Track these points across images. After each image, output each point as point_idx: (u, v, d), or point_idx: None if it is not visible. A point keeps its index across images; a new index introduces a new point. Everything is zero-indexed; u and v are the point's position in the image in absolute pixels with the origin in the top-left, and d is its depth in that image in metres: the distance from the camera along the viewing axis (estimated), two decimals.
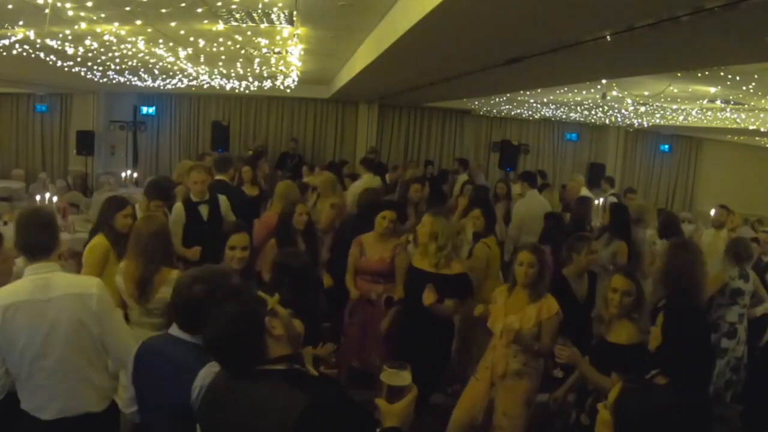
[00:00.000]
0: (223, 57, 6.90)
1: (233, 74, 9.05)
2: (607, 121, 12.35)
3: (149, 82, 10.16)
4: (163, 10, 4.37)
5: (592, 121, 12.67)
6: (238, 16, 4.65)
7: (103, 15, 4.41)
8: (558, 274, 4.32)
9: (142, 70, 8.36)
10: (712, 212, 7.64)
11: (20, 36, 5.09)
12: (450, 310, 3.92)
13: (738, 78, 5.50)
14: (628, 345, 3.01)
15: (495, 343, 3.56)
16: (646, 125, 12.01)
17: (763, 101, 7.04)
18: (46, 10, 3.90)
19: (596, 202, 7.89)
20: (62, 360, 2.29)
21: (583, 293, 4.18)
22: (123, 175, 11.47)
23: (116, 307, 2.62)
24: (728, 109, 8.18)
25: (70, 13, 4.13)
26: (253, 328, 1.74)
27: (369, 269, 4.29)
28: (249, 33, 5.30)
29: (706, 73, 5.43)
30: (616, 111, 10.35)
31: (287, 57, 6.74)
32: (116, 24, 4.84)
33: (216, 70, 8.54)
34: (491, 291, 4.20)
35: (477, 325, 4.47)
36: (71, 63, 7.00)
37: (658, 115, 10.29)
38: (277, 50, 6.35)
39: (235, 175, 6.76)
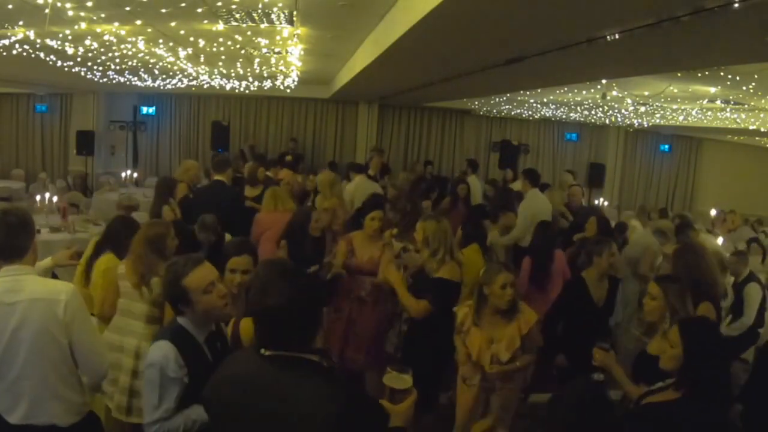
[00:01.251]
0: (223, 57, 6.91)
1: (233, 74, 9.05)
2: (607, 121, 12.36)
3: (149, 82, 10.17)
4: (163, 10, 4.37)
5: (592, 121, 12.67)
6: (238, 16, 4.65)
7: (103, 15, 4.41)
8: (576, 276, 4.35)
9: (142, 70, 8.37)
10: (713, 212, 7.67)
11: (20, 36, 5.09)
12: (413, 308, 3.70)
13: (738, 78, 5.50)
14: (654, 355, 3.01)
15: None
16: (646, 125, 12.01)
17: (763, 101, 7.04)
18: (46, 10, 3.90)
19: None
20: (25, 367, 2.22)
21: (601, 297, 4.16)
22: (123, 175, 11.48)
23: (89, 316, 2.47)
24: (728, 109, 8.18)
25: (70, 13, 4.13)
26: (317, 310, 1.79)
27: (359, 269, 4.29)
28: (249, 33, 5.30)
29: (706, 73, 5.43)
30: (616, 111, 10.35)
31: (287, 57, 6.74)
32: (116, 24, 4.84)
33: (216, 70, 8.54)
34: (464, 301, 4.10)
35: None
36: (71, 63, 7.00)
37: (658, 115, 10.29)
38: (277, 50, 6.35)
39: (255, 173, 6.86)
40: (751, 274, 5.44)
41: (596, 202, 11.51)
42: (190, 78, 9.45)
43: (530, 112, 12.49)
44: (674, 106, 8.82)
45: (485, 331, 3.41)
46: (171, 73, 8.98)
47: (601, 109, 10.36)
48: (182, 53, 6.50)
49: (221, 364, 1.89)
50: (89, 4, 3.98)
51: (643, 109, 9.39)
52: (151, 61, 7.18)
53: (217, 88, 11.17)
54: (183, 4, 4.15)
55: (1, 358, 2.21)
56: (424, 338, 3.88)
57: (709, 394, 2.31)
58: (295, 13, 4.60)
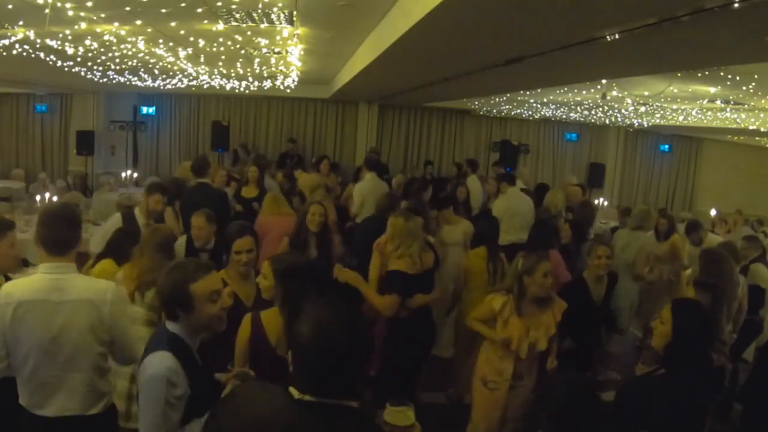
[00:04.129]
0: (223, 57, 6.90)
1: (233, 74, 9.05)
2: (607, 121, 12.35)
3: (149, 82, 10.17)
4: (163, 10, 4.37)
5: (592, 121, 12.67)
6: (238, 16, 4.65)
7: (103, 15, 4.41)
8: (578, 276, 4.48)
9: (142, 70, 8.36)
10: (713, 212, 7.66)
11: (20, 36, 5.09)
12: (381, 305, 3.68)
13: (738, 78, 5.49)
14: None
15: (516, 357, 3.53)
16: (646, 125, 12.01)
17: (763, 101, 7.04)
18: (46, 10, 3.90)
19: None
20: (67, 363, 2.27)
21: (600, 295, 4.29)
22: (123, 175, 11.50)
23: (128, 311, 2.57)
24: (728, 109, 8.18)
25: (70, 13, 4.13)
26: (366, 352, 1.62)
27: None
28: (249, 33, 5.30)
29: (706, 73, 5.43)
30: (616, 111, 10.34)
31: (287, 57, 6.74)
32: (116, 24, 4.84)
33: (216, 70, 8.54)
34: (473, 303, 4.19)
35: (473, 338, 4.46)
36: (71, 63, 7.00)
37: (658, 115, 10.29)
38: (277, 50, 6.35)
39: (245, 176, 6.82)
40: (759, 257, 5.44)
41: (596, 202, 11.51)
42: (190, 78, 9.45)
43: (530, 112, 12.48)
44: (674, 106, 8.82)
45: (524, 321, 3.47)
46: (171, 73, 8.97)
47: (601, 109, 10.35)
48: (182, 53, 6.49)
49: (238, 399, 1.68)
50: (89, 4, 3.98)
51: (643, 109, 9.39)
52: (151, 61, 7.18)
53: (217, 88, 11.17)
54: (183, 4, 4.14)
55: (45, 352, 2.24)
56: (403, 333, 3.85)
57: (689, 371, 2.41)
58: (295, 13, 4.60)
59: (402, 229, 3.77)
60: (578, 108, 10.73)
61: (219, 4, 4.23)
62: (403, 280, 3.68)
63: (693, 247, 6.02)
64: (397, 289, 3.67)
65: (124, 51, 6.29)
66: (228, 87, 10.98)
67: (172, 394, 1.94)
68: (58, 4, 3.90)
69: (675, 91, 6.91)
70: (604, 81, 6.85)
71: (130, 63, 7.40)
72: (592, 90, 7.89)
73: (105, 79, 9.23)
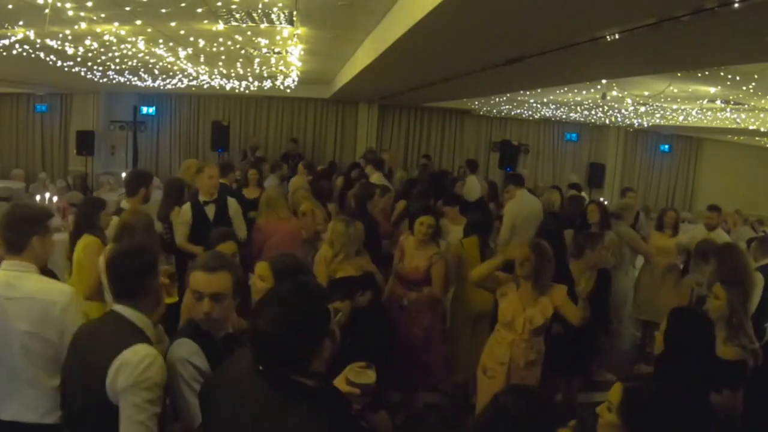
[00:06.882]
0: (223, 57, 6.90)
1: (233, 74, 9.05)
2: (607, 121, 12.36)
3: (149, 82, 10.17)
4: (163, 10, 4.38)
5: (592, 121, 12.67)
6: (238, 16, 4.65)
7: (103, 15, 4.41)
8: (564, 269, 4.41)
9: (142, 70, 8.36)
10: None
11: (20, 36, 5.09)
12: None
13: (738, 78, 5.50)
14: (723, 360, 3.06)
15: (512, 338, 3.58)
16: (646, 125, 12.01)
17: (763, 101, 7.04)
18: (46, 10, 3.90)
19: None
20: (15, 365, 2.23)
21: (587, 288, 4.23)
22: (123, 175, 11.48)
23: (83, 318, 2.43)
24: (728, 109, 8.18)
25: (70, 13, 4.13)
26: (314, 335, 1.62)
27: (403, 276, 4.30)
28: (249, 33, 5.30)
29: (706, 73, 5.43)
30: (616, 111, 10.35)
31: (287, 57, 6.74)
32: (116, 24, 4.84)
33: (216, 70, 8.54)
34: (468, 293, 4.34)
35: (469, 327, 4.46)
36: (71, 63, 7.00)
37: (658, 115, 10.29)
38: (277, 50, 6.35)
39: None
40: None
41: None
42: (190, 78, 9.45)
43: (530, 112, 12.48)
44: (674, 106, 8.82)
45: (522, 299, 3.60)
46: (171, 73, 8.97)
47: (601, 109, 10.35)
48: (182, 53, 6.49)
49: (225, 361, 1.90)
50: (89, 4, 3.98)
51: (643, 109, 9.39)
52: (151, 61, 7.18)
53: (217, 88, 11.16)
54: (183, 4, 4.15)
55: None
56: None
57: (678, 380, 2.34)
58: (295, 13, 4.60)
59: (342, 234, 3.85)
60: (578, 108, 10.73)
61: (219, 4, 4.23)
62: (350, 284, 3.66)
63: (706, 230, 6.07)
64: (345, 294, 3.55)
65: (124, 51, 6.29)
66: (228, 87, 10.98)
67: (191, 375, 2.01)
68: (58, 4, 3.90)
69: (675, 91, 6.91)
70: (604, 81, 6.86)
71: (130, 63, 7.40)
72: (592, 90, 7.89)
73: (105, 79, 9.23)
